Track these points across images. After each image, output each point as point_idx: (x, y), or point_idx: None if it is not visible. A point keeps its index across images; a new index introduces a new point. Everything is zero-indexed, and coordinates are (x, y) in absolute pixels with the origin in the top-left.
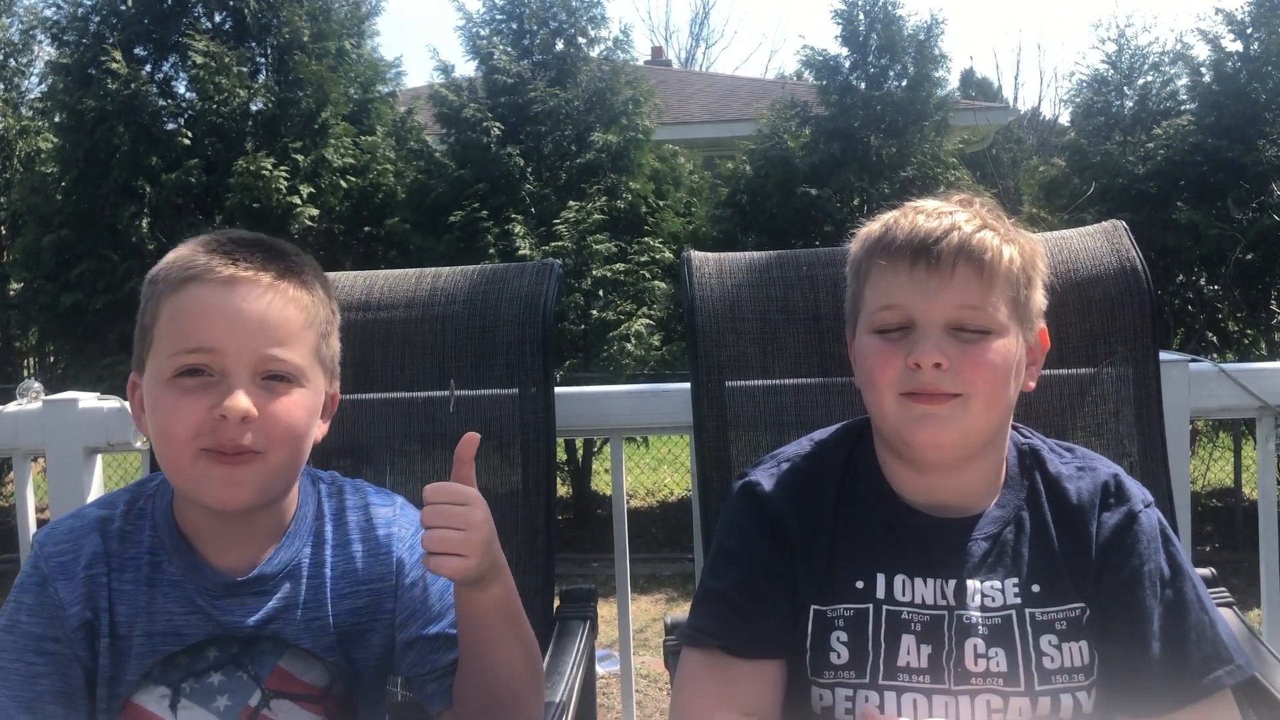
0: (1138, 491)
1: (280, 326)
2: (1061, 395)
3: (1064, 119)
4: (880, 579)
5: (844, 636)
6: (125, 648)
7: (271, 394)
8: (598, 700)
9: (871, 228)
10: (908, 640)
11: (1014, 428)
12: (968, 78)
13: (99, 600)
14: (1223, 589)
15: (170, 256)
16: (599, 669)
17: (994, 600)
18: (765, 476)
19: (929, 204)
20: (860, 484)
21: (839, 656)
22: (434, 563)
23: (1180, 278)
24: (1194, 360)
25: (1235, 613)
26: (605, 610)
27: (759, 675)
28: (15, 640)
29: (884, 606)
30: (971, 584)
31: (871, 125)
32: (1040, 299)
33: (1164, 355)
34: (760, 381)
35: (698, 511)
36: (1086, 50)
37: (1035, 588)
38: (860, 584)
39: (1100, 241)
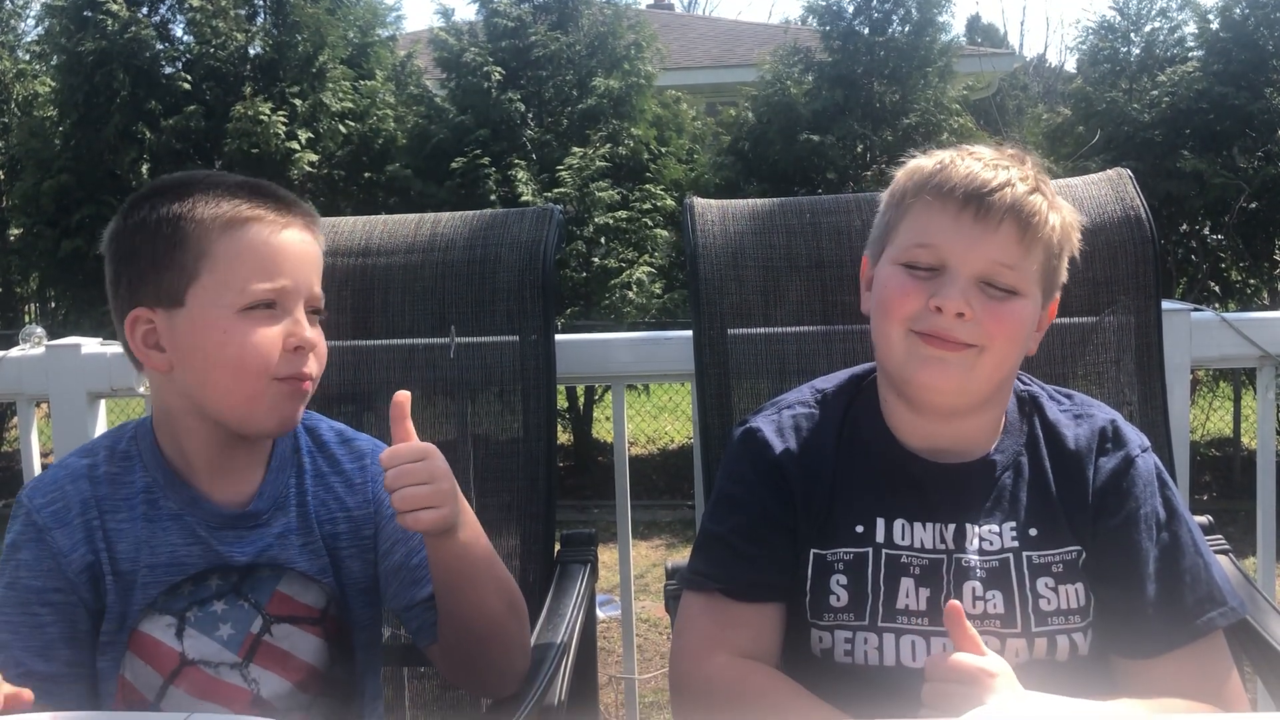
0: (1135, 436)
1: (318, 265)
2: (1063, 343)
3: (1070, 66)
4: (880, 523)
5: (843, 580)
6: (130, 582)
7: (315, 329)
8: (599, 644)
9: (923, 163)
10: (907, 583)
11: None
12: (973, 24)
13: (96, 542)
14: (1219, 536)
15: (189, 198)
16: (600, 613)
17: (991, 544)
18: (766, 423)
19: (985, 152)
20: (861, 429)
21: (838, 599)
22: (410, 519)
23: (1184, 227)
24: (1196, 309)
25: (1231, 559)
26: (606, 556)
27: (758, 618)
28: (18, 595)
29: (883, 550)
30: (970, 528)
31: (875, 71)
32: (1065, 272)
33: (1166, 304)
34: (762, 330)
35: (699, 459)
36: None
37: (1032, 531)
38: (860, 528)
39: (1105, 190)
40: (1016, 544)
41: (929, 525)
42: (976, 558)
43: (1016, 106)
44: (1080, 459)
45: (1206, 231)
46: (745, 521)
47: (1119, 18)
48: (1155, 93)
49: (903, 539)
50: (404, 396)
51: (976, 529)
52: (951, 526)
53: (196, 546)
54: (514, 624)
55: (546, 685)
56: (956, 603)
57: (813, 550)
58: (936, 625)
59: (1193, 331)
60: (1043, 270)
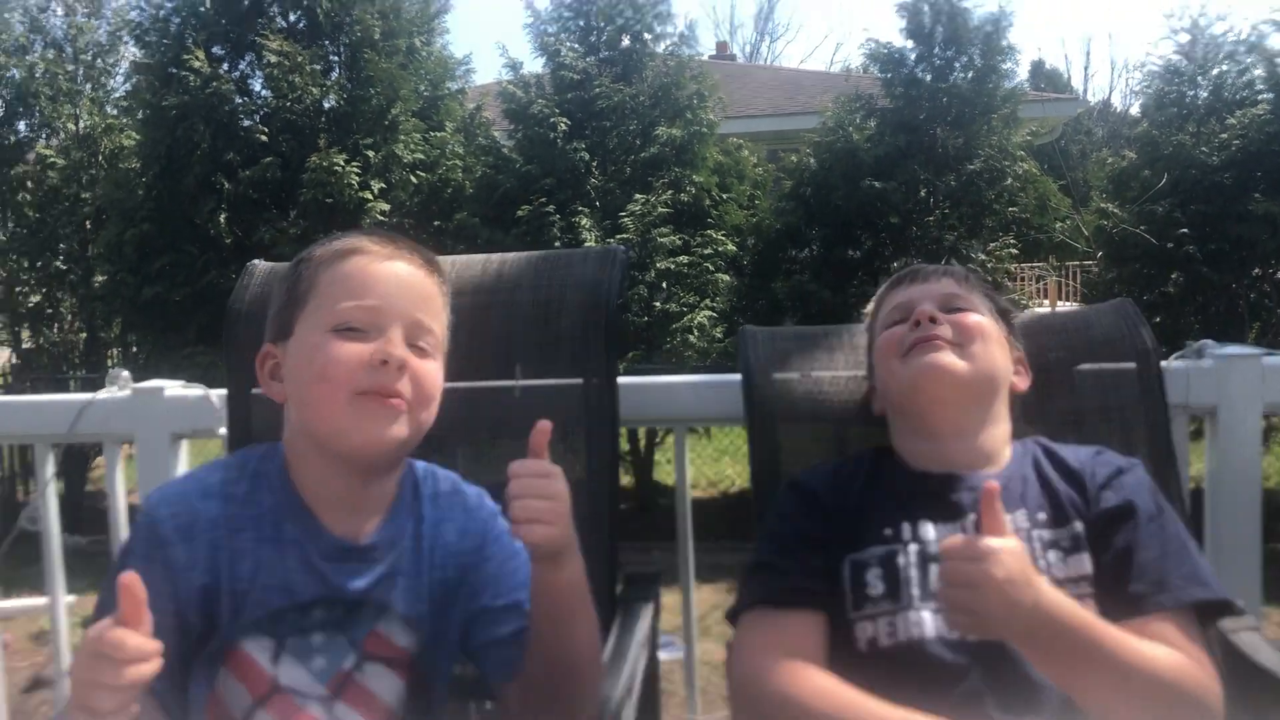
0: (1126, 459)
1: (429, 299)
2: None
3: (1135, 110)
4: (906, 525)
5: (879, 572)
6: (242, 602)
7: (419, 357)
8: (661, 685)
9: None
10: (936, 569)
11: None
12: (1037, 69)
13: (219, 563)
14: (1251, 618)
15: (324, 241)
16: (661, 655)
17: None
18: (804, 474)
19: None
20: (884, 469)
21: (875, 590)
22: (523, 530)
23: (1256, 270)
24: (1269, 354)
25: (1262, 637)
26: (667, 599)
27: (803, 624)
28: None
29: (910, 545)
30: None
31: (937, 117)
32: (1013, 341)
33: (1235, 349)
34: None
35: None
36: (1159, 40)
37: (1041, 515)
38: (888, 531)
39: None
40: (1027, 525)
41: (950, 524)
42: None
43: (1080, 151)
44: (1079, 468)
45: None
46: (780, 544)
47: (1185, 61)
48: (1224, 136)
49: (927, 535)
50: (545, 427)
51: None
52: (971, 517)
53: (310, 576)
54: (592, 671)
55: None
56: (993, 482)
57: (848, 557)
58: None
59: (1265, 376)
60: (990, 307)
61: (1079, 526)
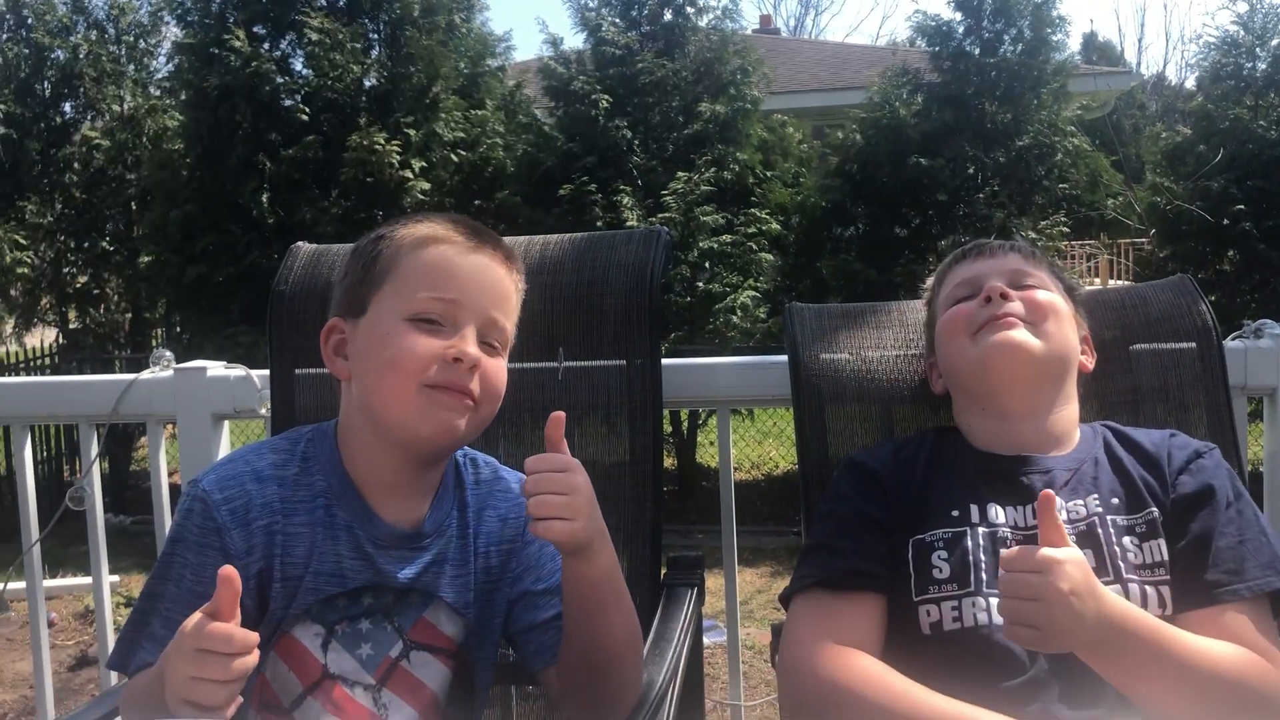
0: (1202, 442)
1: (506, 296)
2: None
3: (1190, 83)
4: (974, 508)
5: (944, 555)
6: (294, 587)
7: (489, 355)
8: (704, 670)
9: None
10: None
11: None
12: (1089, 41)
13: (274, 548)
14: None
15: (403, 221)
16: (704, 639)
17: (1078, 513)
18: (862, 454)
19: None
20: (947, 449)
21: (941, 572)
22: (541, 527)
23: None
24: None
25: None
26: (710, 582)
27: (859, 609)
28: (181, 594)
29: (979, 528)
30: (1059, 500)
31: (986, 92)
32: (1079, 319)
33: None
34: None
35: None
36: (1216, 10)
37: (1115, 500)
38: (955, 513)
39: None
40: (1100, 510)
41: (1020, 507)
42: (1066, 525)
43: (1134, 125)
44: (1155, 451)
45: None
46: (840, 525)
47: (1243, 32)
48: None
49: (997, 518)
50: (559, 417)
51: (1064, 503)
52: None
53: (360, 561)
54: (631, 657)
55: (654, 712)
56: (1050, 492)
57: (912, 538)
58: None
59: None
60: (1059, 284)
61: (1155, 513)
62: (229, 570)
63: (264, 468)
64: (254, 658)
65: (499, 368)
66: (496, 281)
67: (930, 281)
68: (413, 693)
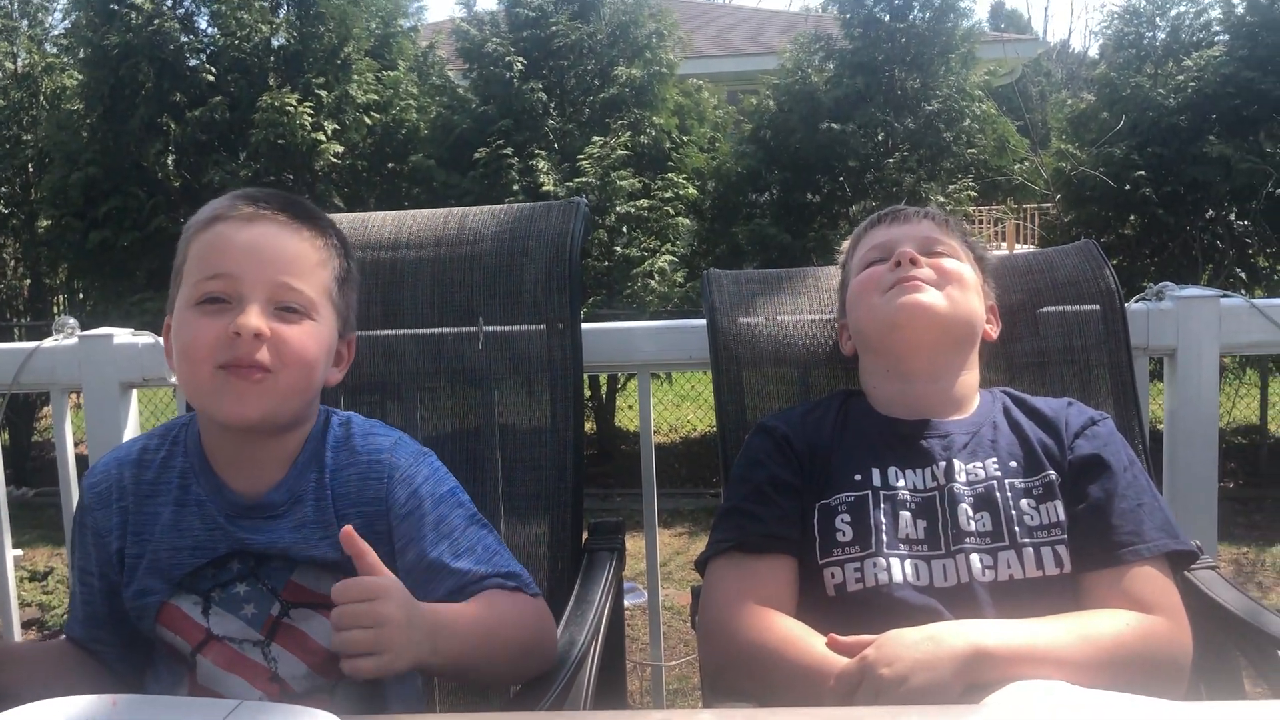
0: (1096, 411)
1: (294, 260)
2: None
3: (1094, 51)
4: (875, 472)
5: (847, 518)
6: (153, 563)
7: (284, 321)
8: (624, 631)
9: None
10: (905, 515)
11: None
12: (997, 9)
13: (126, 527)
14: (1208, 557)
15: (200, 211)
16: (625, 600)
17: (977, 475)
18: (773, 418)
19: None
20: (853, 412)
21: (844, 535)
22: (348, 666)
23: (1210, 212)
24: (1225, 295)
25: (1219, 574)
26: (630, 544)
27: (774, 569)
28: (76, 570)
29: (880, 491)
30: (957, 463)
31: (896, 58)
32: (987, 289)
33: (1193, 290)
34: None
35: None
36: None
37: (1012, 463)
38: (858, 477)
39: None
40: (999, 473)
41: (919, 470)
42: (965, 487)
43: (1040, 92)
44: (1053, 416)
45: (1233, 217)
46: (754, 488)
47: (1144, 2)
48: (1181, 78)
49: (897, 481)
50: (348, 530)
51: (964, 465)
52: (941, 464)
53: (217, 532)
54: (531, 664)
55: (574, 671)
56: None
57: (817, 503)
58: (935, 550)
59: (1222, 317)
60: (969, 253)
61: (1052, 475)
62: (348, 529)
63: (134, 452)
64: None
65: (302, 332)
66: (281, 248)
67: (846, 245)
68: (301, 646)
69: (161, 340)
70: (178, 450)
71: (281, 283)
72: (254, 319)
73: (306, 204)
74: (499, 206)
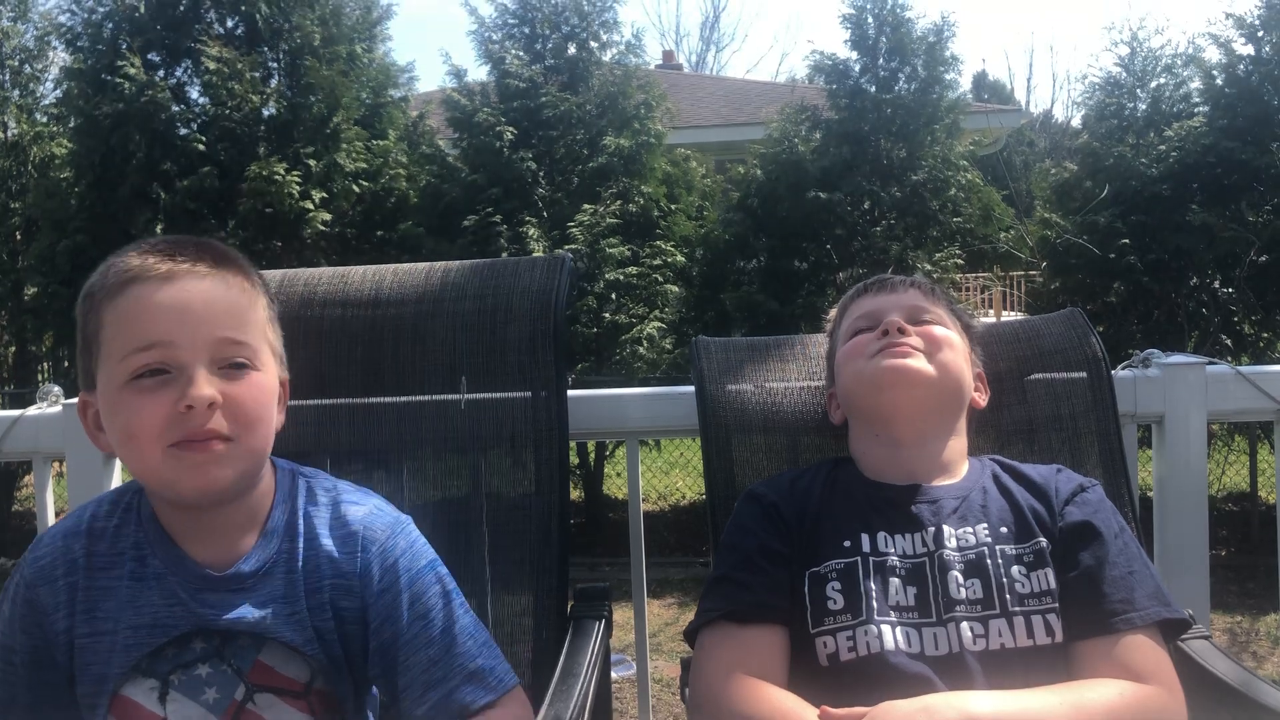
0: (1085, 478)
1: (228, 311)
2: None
3: (1076, 121)
4: (864, 537)
5: (838, 585)
6: (111, 643)
7: (232, 381)
8: (612, 704)
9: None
10: (895, 582)
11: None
12: (980, 80)
13: (76, 605)
14: (1201, 626)
15: (102, 268)
16: (612, 673)
17: (967, 541)
18: (761, 485)
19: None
20: (841, 478)
21: (835, 603)
22: None
23: (1194, 280)
24: (1211, 363)
25: (1212, 644)
26: (618, 615)
27: (765, 639)
28: None
29: (870, 558)
30: (947, 529)
31: (882, 128)
32: (975, 357)
33: (1180, 357)
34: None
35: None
36: (1099, 53)
37: (1003, 529)
38: (847, 543)
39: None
40: (990, 539)
41: (909, 535)
42: (955, 553)
43: (1024, 162)
44: (1042, 482)
45: (1217, 285)
46: (744, 556)
47: (1125, 74)
48: (1163, 148)
49: (886, 547)
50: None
51: (954, 531)
52: (931, 529)
53: (178, 608)
54: None
55: None
56: (828, 709)
57: (807, 571)
58: (926, 618)
59: (1208, 385)
60: (956, 320)
61: (1043, 542)
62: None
63: (84, 522)
64: None
65: (250, 387)
66: (212, 302)
67: (833, 313)
68: None
69: (80, 420)
70: (130, 519)
71: (222, 338)
72: (204, 388)
73: (219, 245)
74: (481, 260)
